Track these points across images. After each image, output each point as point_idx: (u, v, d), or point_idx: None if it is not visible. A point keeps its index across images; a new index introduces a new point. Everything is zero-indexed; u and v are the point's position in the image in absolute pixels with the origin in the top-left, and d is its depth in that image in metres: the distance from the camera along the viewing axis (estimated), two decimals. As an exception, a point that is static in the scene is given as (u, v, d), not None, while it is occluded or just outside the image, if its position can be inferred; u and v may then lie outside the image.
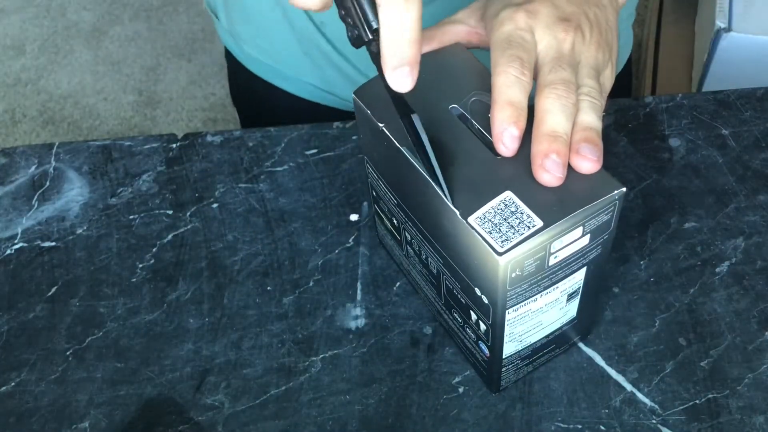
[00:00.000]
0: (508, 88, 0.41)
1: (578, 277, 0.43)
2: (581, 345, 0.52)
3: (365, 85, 0.44)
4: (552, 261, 0.40)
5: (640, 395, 0.49)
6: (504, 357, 0.46)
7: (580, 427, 0.48)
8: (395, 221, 0.49)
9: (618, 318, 0.53)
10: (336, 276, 0.56)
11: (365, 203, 0.60)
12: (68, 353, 0.54)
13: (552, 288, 0.42)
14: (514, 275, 0.39)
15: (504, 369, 0.47)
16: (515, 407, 0.49)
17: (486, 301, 0.41)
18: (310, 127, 0.65)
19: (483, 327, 0.44)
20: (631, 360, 0.51)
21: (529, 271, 0.39)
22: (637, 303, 0.54)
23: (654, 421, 0.48)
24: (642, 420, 0.48)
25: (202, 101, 1.88)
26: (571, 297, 0.45)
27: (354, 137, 0.63)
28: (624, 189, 0.39)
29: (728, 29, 0.92)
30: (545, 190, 0.39)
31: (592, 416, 0.49)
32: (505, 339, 0.44)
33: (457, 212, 0.39)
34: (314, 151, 0.63)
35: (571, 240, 0.39)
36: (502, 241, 0.38)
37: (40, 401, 0.52)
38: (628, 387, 0.50)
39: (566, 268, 0.41)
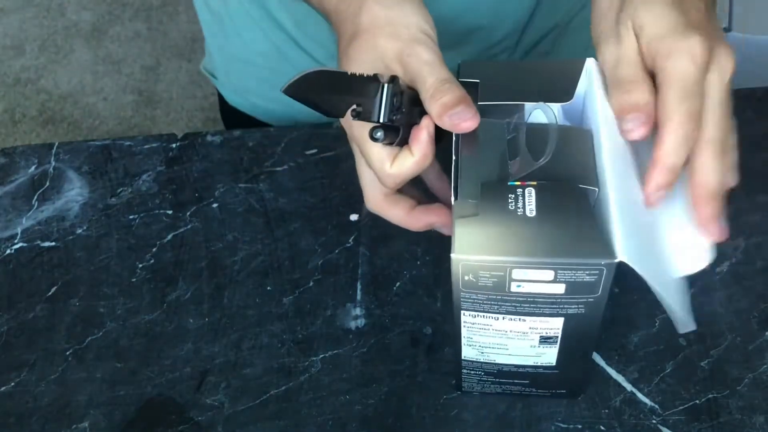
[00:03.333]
0: (675, 152, 0.40)
1: (554, 324, 0.43)
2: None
3: None
4: (514, 288, 0.40)
5: (640, 395, 0.49)
6: (462, 358, 0.46)
7: (580, 427, 0.48)
8: None
9: (618, 318, 0.53)
10: (336, 276, 0.56)
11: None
12: (68, 353, 0.54)
13: (516, 317, 0.42)
14: (467, 278, 0.39)
15: (464, 371, 0.48)
16: (515, 407, 0.49)
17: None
18: (310, 127, 0.65)
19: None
20: (631, 360, 0.51)
21: (485, 284, 0.40)
22: (637, 303, 0.54)
23: (654, 421, 0.48)
24: (642, 420, 0.48)
25: (202, 101, 1.88)
26: (545, 341, 0.44)
27: (354, 137, 0.63)
28: (616, 261, 0.38)
29: (728, 29, 0.92)
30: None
31: (592, 416, 0.49)
32: (463, 341, 0.45)
33: (452, 199, 0.40)
34: (314, 151, 0.63)
35: (538, 278, 0.39)
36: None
37: (40, 401, 0.52)
38: (628, 387, 0.50)
39: (533, 305, 0.41)
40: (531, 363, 0.46)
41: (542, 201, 0.40)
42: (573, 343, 0.44)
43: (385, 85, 0.40)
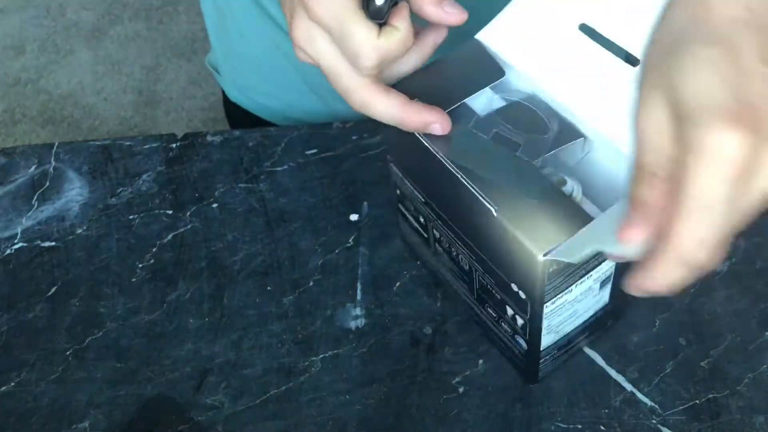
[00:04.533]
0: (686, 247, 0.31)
1: (610, 263, 0.44)
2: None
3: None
4: (588, 251, 0.40)
5: (640, 395, 0.49)
6: (542, 350, 0.46)
7: (580, 427, 0.48)
8: (422, 219, 0.49)
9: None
10: (336, 276, 0.56)
11: (365, 203, 0.60)
12: (68, 353, 0.54)
13: (586, 277, 0.43)
14: (551, 270, 0.40)
15: (542, 361, 0.48)
16: (515, 407, 0.49)
17: (523, 296, 0.42)
18: (309, 127, 0.65)
19: (520, 321, 0.45)
20: (631, 360, 0.51)
21: (568, 264, 0.40)
22: (637, 303, 0.54)
23: (654, 421, 0.48)
24: (642, 420, 0.48)
25: (202, 101, 1.88)
26: (603, 283, 0.45)
27: (354, 137, 0.63)
28: None
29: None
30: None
31: (592, 416, 0.49)
32: (543, 332, 0.45)
33: (493, 210, 0.39)
34: (314, 151, 0.63)
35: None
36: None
37: (40, 401, 0.52)
38: (628, 387, 0.50)
39: (599, 255, 0.42)
40: (592, 313, 0.47)
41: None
42: (620, 270, 0.45)
43: None
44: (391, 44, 0.39)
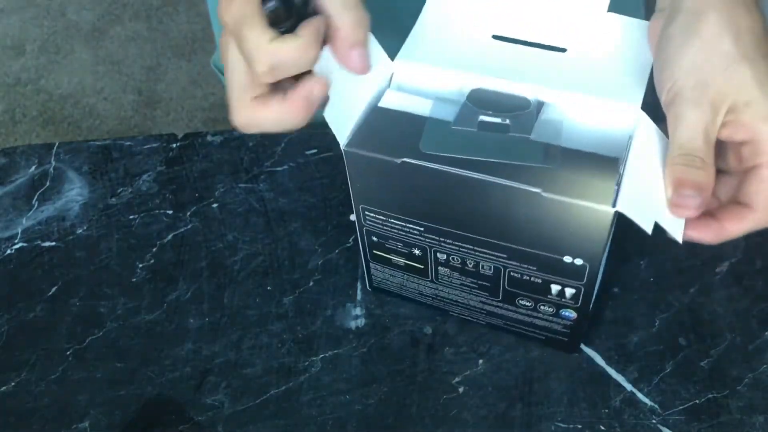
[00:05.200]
0: (736, 234, 0.41)
1: None
2: (581, 345, 0.52)
3: (353, 136, 0.44)
4: None
5: (640, 395, 0.49)
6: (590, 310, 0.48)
7: (580, 427, 0.48)
8: (417, 252, 0.49)
9: (618, 318, 0.53)
10: (336, 276, 0.56)
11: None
12: (68, 353, 0.54)
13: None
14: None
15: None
16: (515, 407, 0.49)
17: (580, 262, 0.43)
18: (309, 127, 0.64)
19: (570, 292, 0.46)
20: (631, 360, 0.51)
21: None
22: (637, 303, 0.54)
23: (654, 421, 0.48)
24: (642, 420, 0.48)
25: (202, 101, 1.88)
26: None
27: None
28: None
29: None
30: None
31: (592, 416, 0.49)
32: (595, 288, 0.46)
33: (540, 191, 0.40)
34: (314, 151, 0.63)
35: None
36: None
37: (40, 401, 0.52)
38: (628, 387, 0.50)
39: None
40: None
41: None
42: None
43: None
44: (284, 49, 0.37)
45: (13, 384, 0.53)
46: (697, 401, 0.49)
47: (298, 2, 0.39)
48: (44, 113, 1.88)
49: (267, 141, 0.64)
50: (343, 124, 0.45)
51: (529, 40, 0.47)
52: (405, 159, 0.42)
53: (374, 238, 0.50)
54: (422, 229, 0.47)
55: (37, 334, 0.55)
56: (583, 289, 0.45)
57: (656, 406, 0.49)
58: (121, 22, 2.07)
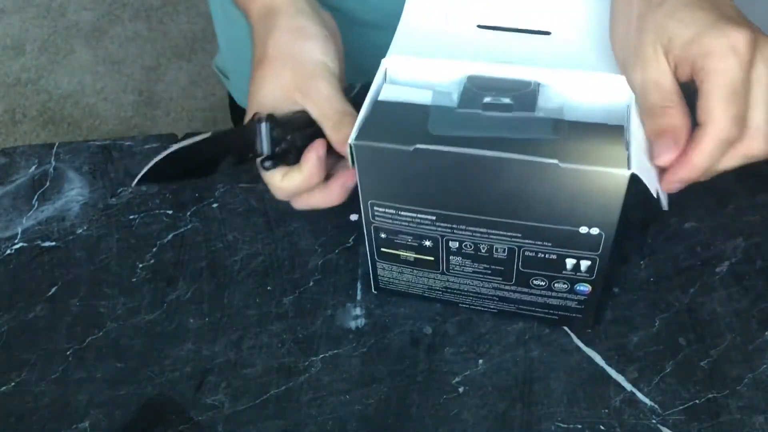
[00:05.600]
0: (711, 155, 0.40)
1: None
2: (581, 345, 0.52)
3: (359, 131, 0.44)
4: None
5: (640, 395, 0.49)
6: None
7: (580, 427, 0.48)
8: (428, 243, 0.49)
9: (618, 318, 0.53)
10: (336, 276, 0.56)
11: (365, 203, 0.60)
12: (68, 353, 0.54)
13: None
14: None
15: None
16: (515, 407, 0.49)
17: (596, 232, 0.44)
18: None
19: (585, 265, 0.46)
20: (631, 360, 0.51)
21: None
22: (637, 303, 0.54)
23: (654, 421, 0.48)
24: (642, 420, 0.48)
25: (202, 101, 1.88)
26: None
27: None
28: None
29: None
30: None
31: (592, 416, 0.49)
32: (609, 259, 0.46)
33: (557, 162, 0.41)
34: (314, 151, 0.63)
35: None
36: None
37: (40, 401, 0.52)
38: (628, 387, 0.50)
39: None
40: None
41: None
42: None
43: (262, 125, 0.48)
44: (294, 183, 0.48)
45: (13, 384, 0.53)
46: (697, 401, 0.49)
47: (283, 148, 0.49)
48: (44, 113, 1.88)
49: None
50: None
51: (513, 27, 0.49)
52: (417, 145, 0.42)
53: (383, 235, 0.50)
54: (434, 218, 0.47)
55: (37, 334, 0.55)
56: (598, 260, 0.46)
57: (656, 406, 0.49)
58: (121, 22, 2.08)
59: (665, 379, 0.50)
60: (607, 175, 0.41)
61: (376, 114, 0.45)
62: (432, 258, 0.50)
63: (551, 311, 0.51)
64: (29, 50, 2.02)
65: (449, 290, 0.52)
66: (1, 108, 1.90)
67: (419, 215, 0.47)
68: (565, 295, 0.49)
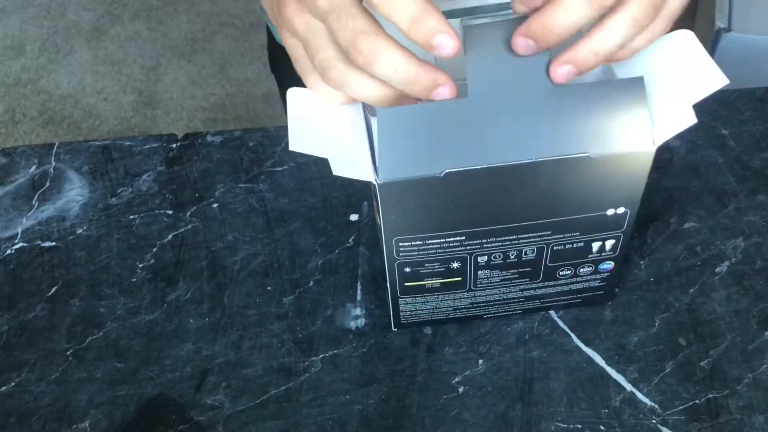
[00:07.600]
0: (572, 20, 0.36)
1: None
2: (581, 345, 0.52)
3: (379, 167, 0.40)
4: None
5: (640, 395, 0.49)
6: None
7: (580, 427, 0.48)
8: (455, 265, 0.47)
9: (618, 318, 0.53)
10: (336, 276, 0.56)
11: (365, 203, 0.60)
12: (68, 353, 0.54)
13: None
14: None
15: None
16: (515, 407, 0.49)
17: (622, 210, 0.45)
18: (310, 127, 0.65)
19: (610, 244, 0.47)
20: (631, 360, 0.51)
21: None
22: (637, 303, 0.54)
23: (654, 421, 0.48)
24: (642, 420, 0.48)
25: (202, 101, 1.88)
26: None
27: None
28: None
29: (728, 29, 0.92)
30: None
31: (592, 416, 0.49)
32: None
33: (588, 154, 0.41)
34: (314, 151, 0.63)
35: None
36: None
37: (40, 401, 0.52)
38: (628, 387, 0.50)
39: None
40: None
41: None
42: None
43: None
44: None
45: (13, 384, 0.53)
46: (697, 401, 0.49)
47: None
48: (44, 113, 1.88)
49: (267, 141, 0.64)
50: (358, 162, 0.42)
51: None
52: (447, 170, 0.40)
53: (407, 269, 0.47)
54: (463, 238, 0.45)
55: (37, 334, 0.55)
56: (622, 237, 0.47)
57: (656, 406, 0.49)
58: (121, 22, 2.08)
59: (665, 379, 0.50)
60: (635, 156, 0.41)
61: (386, 138, 0.40)
62: (459, 278, 0.48)
63: (575, 296, 0.52)
64: (29, 50, 2.03)
65: (475, 305, 0.51)
66: (1, 108, 1.90)
67: (447, 239, 0.45)
68: (589, 276, 0.50)
